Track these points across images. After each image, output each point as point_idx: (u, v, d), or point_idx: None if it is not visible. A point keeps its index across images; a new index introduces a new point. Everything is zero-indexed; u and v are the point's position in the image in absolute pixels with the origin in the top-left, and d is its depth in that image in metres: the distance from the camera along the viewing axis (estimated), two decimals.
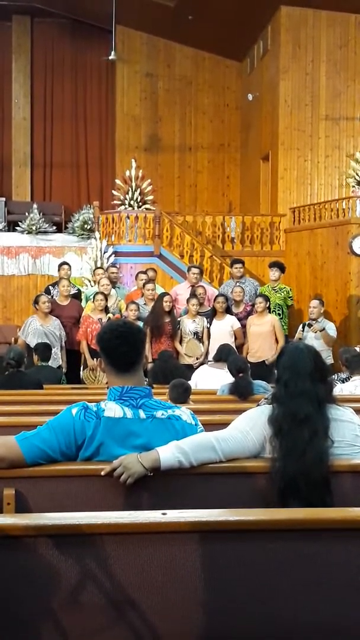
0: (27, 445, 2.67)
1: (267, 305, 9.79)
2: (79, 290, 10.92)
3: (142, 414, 2.77)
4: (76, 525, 2.07)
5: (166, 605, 2.10)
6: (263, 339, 9.58)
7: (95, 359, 8.96)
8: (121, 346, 2.80)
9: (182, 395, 5.13)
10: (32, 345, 8.88)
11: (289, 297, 10.81)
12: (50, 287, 10.56)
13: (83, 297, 10.73)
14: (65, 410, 2.78)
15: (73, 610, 2.08)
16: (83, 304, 10.30)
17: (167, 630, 2.10)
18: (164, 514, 2.12)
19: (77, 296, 10.53)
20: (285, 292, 10.72)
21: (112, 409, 2.75)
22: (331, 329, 9.56)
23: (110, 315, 9.40)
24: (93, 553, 2.08)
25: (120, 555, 2.09)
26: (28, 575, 2.07)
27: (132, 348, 2.83)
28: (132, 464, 2.60)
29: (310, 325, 9.57)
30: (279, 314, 10.40)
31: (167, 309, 9.53)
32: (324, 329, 9.36)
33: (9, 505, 2.59)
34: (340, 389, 6.14)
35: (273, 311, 10.26)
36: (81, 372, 9.65)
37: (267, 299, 9.85)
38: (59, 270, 10.69)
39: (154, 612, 2.09)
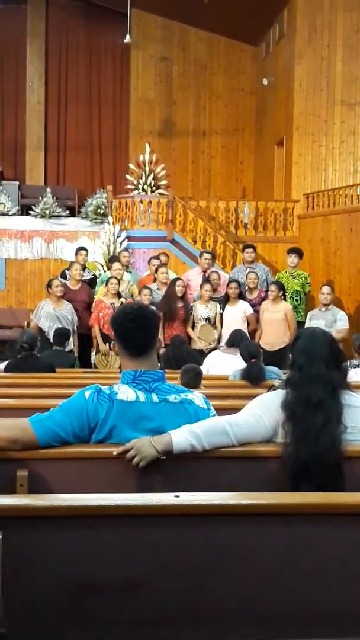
0: (40, 427, 2.68)
1: (282, 294, 9.75)
2: (94, 275, 10.93)
3: (155, 398, 2.77)
4: (89, 506, 2.08)
5: (179, 587, 2.11)
6: (276, 326, 9.55)
7: (107, 344, 9.00)
8: (135, 329, 2.80)
9: (193, 380, 5.14)
10: (45, 328, 8.93)
11: (307, 283, 10.73)
12: (66, 270, 10.59)
13: (98, 281, 10.73)
14: (79, 392, 2.78)
15: (85, 592, 2.09)
16: (98, 288, 10.31)
17: (180, 612, 2.10)
18: (176, 496, 2.12)
19: (92, 281, 10.55)
20: (303, 278, 10.66)
21: (125, 392, 2.76)
22: (342, 319, 9.50)
23: (122, 300, 9.41)
24: (105, 535, 2.09)
25: (133, 537, 2.10)
26: (40, 557, 2.08)
27: (146, 332, 2.83)
28: (144, 447, 2.61)
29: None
30: (297, 300, 10.37)
31: (179, 294, 9.53)
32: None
33: (22, 486, 2.61)
34: (355, 373, 6.12)
35: (291, 297, 10.24)
36: (93, 357, 9.68)
37: (281, 287, 9.79)
38: (76, 254, 10.70)
39: (166, 594, 2.10)
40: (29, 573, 2.07)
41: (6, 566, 1.93)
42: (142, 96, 17.19)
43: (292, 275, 10.61)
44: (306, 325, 9.37)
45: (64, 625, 2.08)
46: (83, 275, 10.09)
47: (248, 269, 10.60)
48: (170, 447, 2.63)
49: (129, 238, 12.91)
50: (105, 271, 11.43)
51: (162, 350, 8.13)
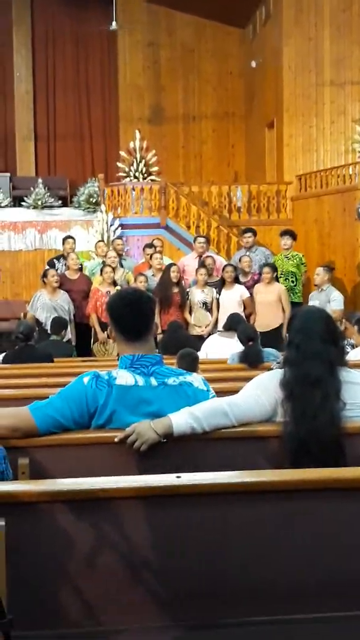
0: (40, 414, 2.68)
1: (275, 276, 9.80)
2: (81, 264, 10.93)
3: (153, 382, 2.77)
4: (91, 490, 2.09)
5: (183, 567, 2.12)
6: (270, 308, 9.58)
7: (105, 332, 9.01)
8: (131, 314, 2.80)
9: (190, 364, 5.11)
10: (42, 319, 8.94)
11: (302, 264, 10.76)
12: (54, 260, 10.59)
13: (86, 271, 10.73)
14: (77, 379, 2.79)
15: (89, 574, 2.10)
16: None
17: (182, 591, 2.12)
18: (178, 477, 2.13)
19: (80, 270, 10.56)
20: (297, 259, 10.68)
21: (124, 377, 2.76)
22: (336, 300, 9.49)
23: (118, 287, 9.40)
24: (108, 517, 2.10)
25: (136, 519, 2.11)
26: (44, 541, 2.09)
27: (142, 316, 2.83)
28: (145, 430, 2.61)
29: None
30: (293, 281, 10.40)
31: (174, 280, 9.52)
32: None
33: (24, 474, 2.61)
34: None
35: (286, 279, 10.26)
36: (91, 345, 9.68)
37: (274, 268, 9.85)
38: (63, 244, 10.72)
39: (169, 574, 2.11)
40: (33, 558, 2.08)
41: (11, 552, 1.94)
42: (131, 82, 17.11)
43: (287, 257, 10.63)
44: None
45: (70, 609, 2.10)
46: (78, 264, 10.11)
47: (247, 253, 10.63)
48: (170, 430, 2.63)
49: (122, 226, 12.89)
50: (95, 259, 11.40)
51: (159, 336, 8.14)
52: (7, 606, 1.82)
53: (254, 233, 11.01)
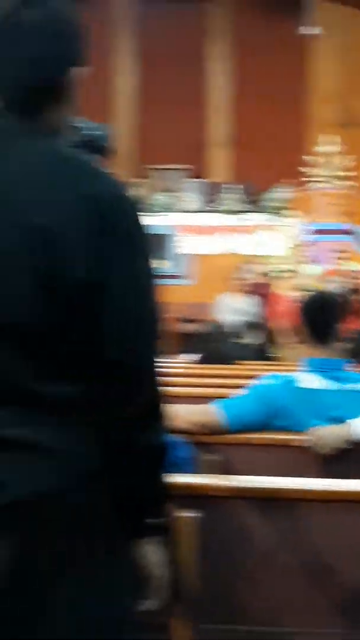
0: (227, 413, 2.74)
1: None
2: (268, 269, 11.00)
3: (338, 386, 2.76)
4: (278, 489, 2.11)
5: None
6: None
7: (290, 336, 9.00)
8: (321, 316, 2.81)
9: None
10: (228, 322, 9.08)
11: None
12: (247, 264, 10.71)
13: (277, 275, 10.77)
14: (262, 380, 2.84)
15: (273, 574, 2.12)
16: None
17: None
18: None
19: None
20: None
21: (308, 380, 2.77)
22: None
23: (302, 292, 9.38)
24: (295, 518, 2.11)
25: (320, 522, 2.10)
26: (229, 537, 2.13)
27: (331, 319, 2.84)
28: (327, 435, 2.61)
29: None
30: None
31: (355, 287, 9.40)
32: None
33: (212, 470, 2.67)
34: None
35: None
36: (275, 349, 9.71)
37: None
38: (255, 248, 10.82)
39: (355, 581, 2.09)
40: (217, 552, 2.13)
41: (205, 544, 1.99)
42: (324, 87, 16.94)
43: None
44: None
45: (253, 606, 2.12)
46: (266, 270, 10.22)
47: None
48: (351, 436, 2.61)
49: (310, 231, 12.80)
50: (286, 265, 11.42)
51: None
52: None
53: None
